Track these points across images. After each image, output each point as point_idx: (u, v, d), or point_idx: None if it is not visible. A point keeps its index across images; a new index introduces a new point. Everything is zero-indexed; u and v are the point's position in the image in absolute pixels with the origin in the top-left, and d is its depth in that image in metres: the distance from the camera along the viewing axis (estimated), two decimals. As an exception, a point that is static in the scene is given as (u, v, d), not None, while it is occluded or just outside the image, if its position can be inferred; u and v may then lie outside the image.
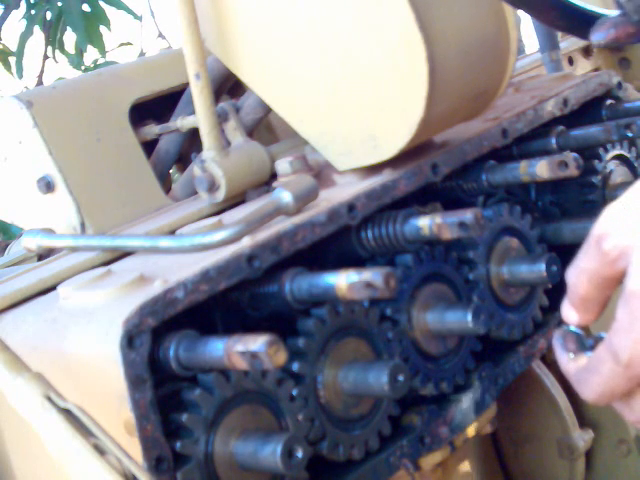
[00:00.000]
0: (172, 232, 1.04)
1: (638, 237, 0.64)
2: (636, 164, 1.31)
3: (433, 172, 1.02)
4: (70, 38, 4.43)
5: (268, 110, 1.22)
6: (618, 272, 0.66)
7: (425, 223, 0.90)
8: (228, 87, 1.36)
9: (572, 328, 0.75)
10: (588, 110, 1.27)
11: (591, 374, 0.68)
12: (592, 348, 0.71)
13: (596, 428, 1.39)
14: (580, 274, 0.70)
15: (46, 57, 4.51)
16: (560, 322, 1.16)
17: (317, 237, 0.89)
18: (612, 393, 0.67)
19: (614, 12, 1.02)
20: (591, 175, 1.23)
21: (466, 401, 1.03)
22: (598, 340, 0.70)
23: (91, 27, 4.24)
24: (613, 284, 0.68)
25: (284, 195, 0.91)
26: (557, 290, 1.06)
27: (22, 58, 4.28)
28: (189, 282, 0.77)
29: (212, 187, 1.10)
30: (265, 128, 1.43)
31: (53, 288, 0.94)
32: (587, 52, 1.87)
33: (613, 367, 0.65)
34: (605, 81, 1.30)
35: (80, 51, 4.44)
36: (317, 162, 1.10)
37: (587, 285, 0.69)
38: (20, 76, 4.34)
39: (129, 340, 0.73)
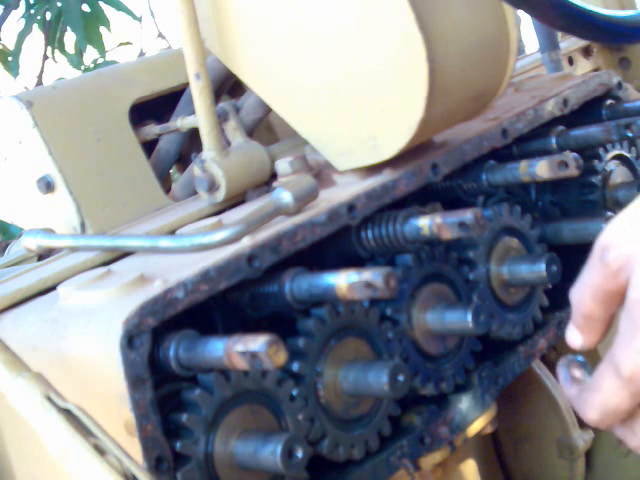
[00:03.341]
0: (172, 232, 1.04)
1: None
2: (636, 164, 1.31)
3: (433, 172, 1.02)
4: (70, 38, 4.43)
5: (268, 110, 1.22)
6: (621, 285, 0.65)
7: (425, 223, 0.90)
8: (228, 87, 1.36)
9: (578, 358, 0.74)
10: (588, 110, 1.27)
11: (592, 392, 0.67)
12: None
13: (596, 428, 1.39)
14: (584, 290, 0.68)
15: (46, 57, 4.52)
16: (560, 323, 1.16)
17: (317, 237, 0.89)
18: (615, 412, 0.66)
19: (614, 12, 1.02)
20: (591, 175, 1.23)
21: (466, 401, 1.03)
22: None
23: (91, 27, 4.25)
24: (617, 300, 0.67)
25: (284, 195, 0.91)
26: (557, 290, 1.06)
27: (19, 56, 4.29)
28: (189, 282, 0.77)
29: (212, 187, 1.10)
30: (265, 128, 1.43)
31: (53, 288, 0.94)
32: (587, 52, 1.87)
33: (615, 382, 0.64)
34: (605, 81, 1.30)
35: (80, 51, 4.44)
36: (317, 162, 1.10)
37: (591, 302, 0.68)
38: (15, 74, 4.34)
39: (129, 340, 0.73)
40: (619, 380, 0.64)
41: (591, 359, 0.76)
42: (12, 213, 1.28)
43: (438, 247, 1.02)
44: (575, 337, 0.72)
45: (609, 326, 0.70)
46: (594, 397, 0.67)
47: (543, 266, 1.03)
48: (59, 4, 4.24)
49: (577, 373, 0.73)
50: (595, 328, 0.70)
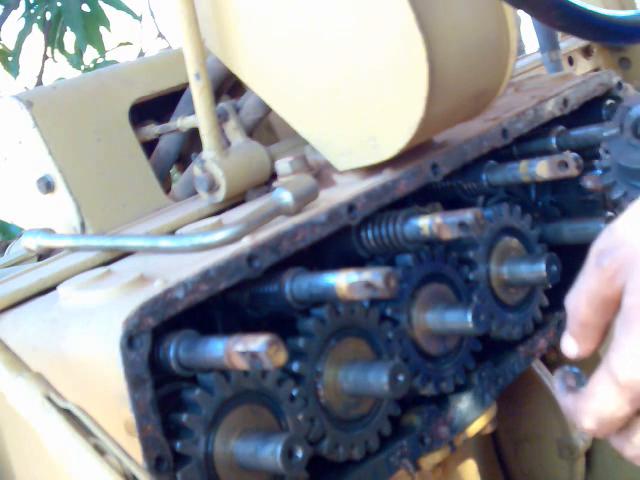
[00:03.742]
0: (172, 232, 1.04)
1: (636, 250, 0.63)
2: (636, 164, 1.30)
3: (433, 172, 1.02)
4: (70, 38, 4.43)
5: (268, 110, 1.22)
6: (617, 291, 0.64)
7: (425, 223, 0.90)
8: (228, 87, 1.36)
9: (573, 369, 0.74)
10: (588, 110, 1.27)
11: (588, 400, 0.66)
12: None
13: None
14: (579, 296, 0.68)
15: (45, 57, 4.52)
16: (560, 323, 1.16)
17: (317, 237, 0.89)
18: (611, 419, 0.64)
19: (614, 12, 1.02)
20: (591, 175, 1.23)
21: (466, 401, 1.03)
22: None
23: (90, 27, 4.25)
24: (613, 307, 0.66)
25: (284, 195, 0.91)
26: (557, 290, 1.06)
27: (19, 56, 4.29)
28: (189, 282, 0.77)
29: (212, 187, 1.10)
30: (265, 128, 1.43)
31: (53, 288, 0.94)
32: (587, 52, 1.87)
33: (611, 388, 0.63)
34: (605, 81, 1.30)
35: (80, 51, 4.45)
36: (317, 162, 1.10)
37: (586, 308, 0.67)
38: (16, 74, 4.34)
39: (129, 340, 0.73)
40: (615, 386, 0.63)
41: (592, 364, 0.76)
42: (12, 213, 1.28)
43: (438, 247, 1.02)
44: (570, 346, 0.71)
45: (605, 334, 0.69)
46: (590, 404, 0.65)
47: (543, 266, 1.03)
48: (59, 4, 4.24)
49: (573, 384, 0.72)
50: (591, 336, 0.69)
